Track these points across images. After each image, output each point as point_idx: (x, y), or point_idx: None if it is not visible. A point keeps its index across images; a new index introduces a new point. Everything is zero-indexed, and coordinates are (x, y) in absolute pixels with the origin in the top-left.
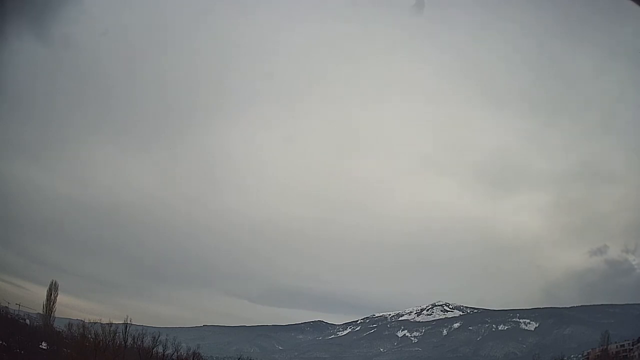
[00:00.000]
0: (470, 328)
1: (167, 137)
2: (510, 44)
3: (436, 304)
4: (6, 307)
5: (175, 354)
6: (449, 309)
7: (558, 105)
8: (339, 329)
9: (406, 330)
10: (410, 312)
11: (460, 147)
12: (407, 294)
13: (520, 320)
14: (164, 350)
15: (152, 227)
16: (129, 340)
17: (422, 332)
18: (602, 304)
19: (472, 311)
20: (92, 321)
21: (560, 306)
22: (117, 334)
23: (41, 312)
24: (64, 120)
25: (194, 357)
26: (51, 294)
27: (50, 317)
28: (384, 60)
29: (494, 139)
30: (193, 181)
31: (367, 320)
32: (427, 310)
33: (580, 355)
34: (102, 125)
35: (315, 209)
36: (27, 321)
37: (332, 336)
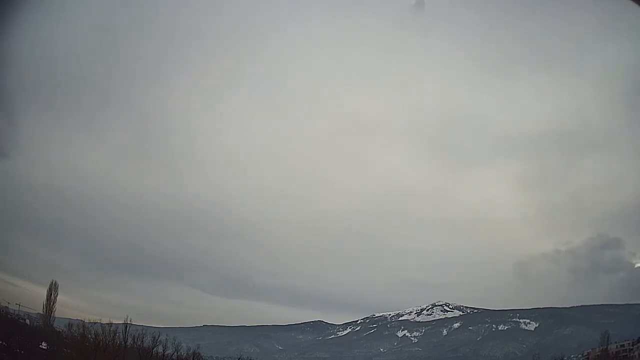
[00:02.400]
0: (470, 328)
1: (161, 134)
2: None
3: (436, 304)
4: (6, 307)
5: (175, 354)
6: (449, 309)
7: (527, 55)
8: (339, 329)
9: (406, 330)
10: (410, 312)
11: (414, 107)
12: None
13: (520, 320)
14: (164, 350)
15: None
16: (129, 340)
17: (422, 332)
18: (602, 304)
19: (472, 311)
20: (92, 321)
21: (560, 306)
22: (117, 334)
23: (41, 312)
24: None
25: (194, 357)
26: (51, 294)
27: (50, 317)
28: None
29: (452, 96)
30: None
31: (367, 320)
32: (427, 310)
33: (580, 355)
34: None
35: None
36: (27, 321)
37: (332, 336)
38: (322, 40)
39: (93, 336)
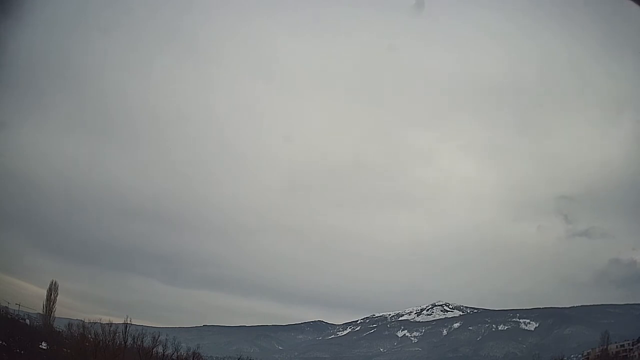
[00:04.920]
0: (470, 328)
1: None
2: None
3: (436, 304)
4: (6, 307)
5: (175, 354)
6: (449, 309)
7: None
8: (339, 329)
9: (406, 330)
10: (410, 312)
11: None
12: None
13: (520, 320)
14: (164, 350)
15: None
16: (129, 340)
17: (422, 332)
18: (602, 304)
19: (472, 311)
20: (92, 321)
21: (560, 306)
22: (117, 334)
23: (41, 312)
24: None
25: (194, 357)
26: (51, 294)
27: (50, 317)
28: None
29: (382, 37)
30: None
31: (367, 320)
32: (427, 310)
33: (580, 355)
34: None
35: None
36: (27, 321)
37: (332, 336)
38: None
39: (93, 336)
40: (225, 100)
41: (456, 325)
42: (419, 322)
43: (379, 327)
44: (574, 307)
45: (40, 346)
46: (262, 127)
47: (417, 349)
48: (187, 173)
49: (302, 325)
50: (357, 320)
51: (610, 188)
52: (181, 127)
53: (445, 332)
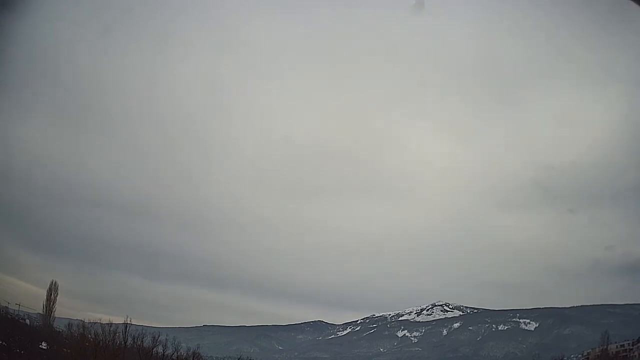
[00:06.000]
0: (470, 328)
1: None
2: None
3: (436, 304)
4: (6, 307)
5: (175, 354)
6: (449, 309)
7: None
8: (339, 329)
9: (406, 330)
10: (410, 312)
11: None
12: None
13: (520, 320)
14: (164, 350)
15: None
16: (129, 340)
17: (422, 332)
18: (601, 304)
19: (472, 311)
20: (92, 321)
21: (560, 306)
22: (117, 334)
23: (41, 312)
24: None
25: (194, 357)
26: (51, 294)
27: (50, 317)
28: None
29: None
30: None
31: (367, 320)
32: (427, 310)
33: (580, 355)
34: None
35: None
36: (27, 321)
37: (332, 336)
38: None
39: (93, 336)
40: (226, 99)
41: (456, 325)
42: (419, 322)
43: (379, 327)
44: (574, 307)
45: (40, 346)
46: (262, 126)
47: (417, 349)
48: (187, 172)
49: (302, 325)
50: (357, 320)
51: (598, 169)
52: (180, 126)
53: (445, 332)
